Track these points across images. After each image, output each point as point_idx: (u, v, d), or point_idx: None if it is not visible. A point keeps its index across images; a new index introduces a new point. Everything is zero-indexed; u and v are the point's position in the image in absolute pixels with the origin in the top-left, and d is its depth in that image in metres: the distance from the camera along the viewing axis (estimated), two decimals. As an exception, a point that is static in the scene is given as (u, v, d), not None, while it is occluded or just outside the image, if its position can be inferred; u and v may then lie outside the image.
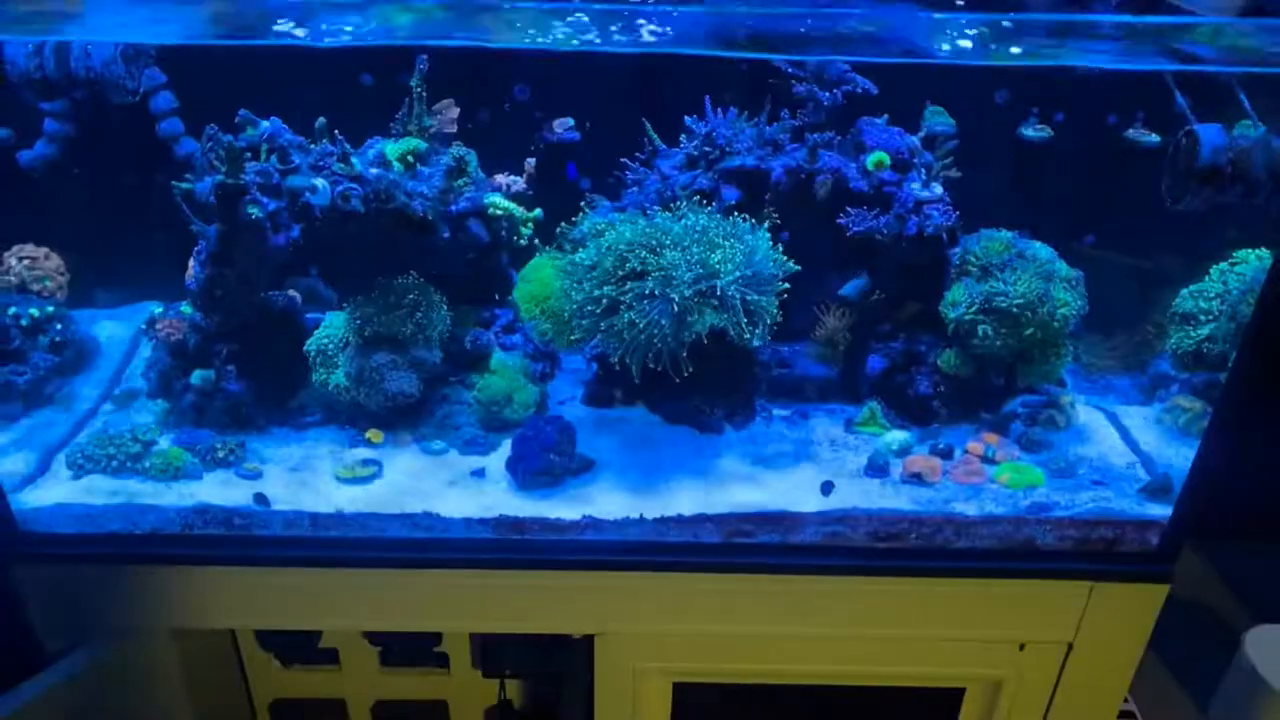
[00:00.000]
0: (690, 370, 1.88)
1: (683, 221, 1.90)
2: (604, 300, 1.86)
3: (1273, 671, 2.15)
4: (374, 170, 1.95)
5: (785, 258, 1.94)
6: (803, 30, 1.66)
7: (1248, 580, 2.59)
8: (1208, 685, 2.37)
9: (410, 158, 2.00)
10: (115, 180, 2.36)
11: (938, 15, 1.68)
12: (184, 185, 1.91)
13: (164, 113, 2.24)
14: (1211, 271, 2.25)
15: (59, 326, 2.23)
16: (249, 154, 1.92)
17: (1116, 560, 1.92)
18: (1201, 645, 2.49)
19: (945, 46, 1.68)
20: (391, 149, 2.00)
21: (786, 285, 1.94)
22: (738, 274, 1.84)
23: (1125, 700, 2.60)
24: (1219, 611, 2.61)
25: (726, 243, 1.85)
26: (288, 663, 2.46)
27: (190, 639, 2.18)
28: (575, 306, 1.92)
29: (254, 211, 1.90)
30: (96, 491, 1.92)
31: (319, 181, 1.90)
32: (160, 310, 2.18)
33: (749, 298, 1.84)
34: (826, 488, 1.97)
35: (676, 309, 1.80)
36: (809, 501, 1.94)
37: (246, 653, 2.44)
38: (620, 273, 1.84)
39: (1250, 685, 2.17)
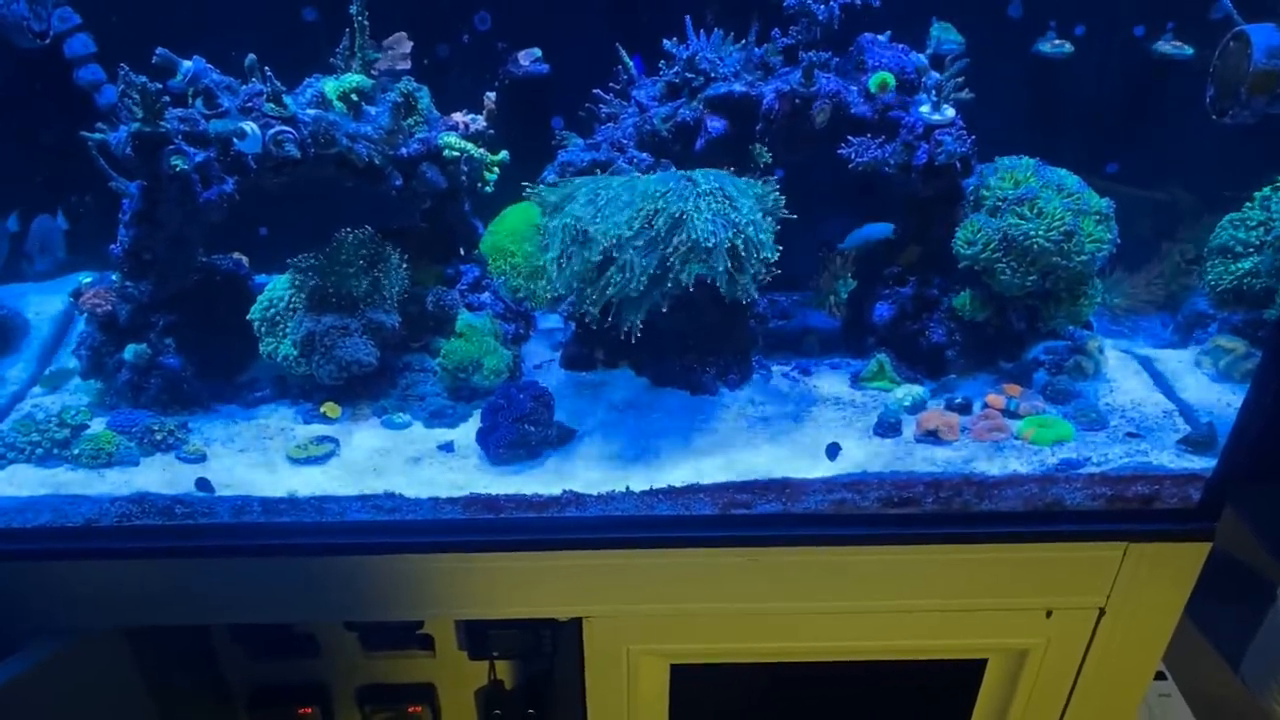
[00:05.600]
0: (672, 325, 1.68)
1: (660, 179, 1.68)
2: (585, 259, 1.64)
3: (1315, 630, 2.00)
4: (311, 111, 1.73)
5: (778, 196, 1.73)
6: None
7: (1284, 532, 2.42)
8: (1240, 643, 2.23)
9: (354, 96, 1.77)
10: (34, 138, 2.15)
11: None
12: (96, 136, 1.69)
13: (81, 58, 2.02)
14: (1254, 198, 2.04)
15: (-20, 302, 2.03)
16: (167, 98, 1.69)
17: (1154, 519, 1.77)
18: (1233, 601, 2.34)
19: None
20: (331, 87, 1.78)
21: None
22: (716, 217, 1.62)
23: (1154, 661, 2.47)
24: (1251, 566, 2.46)
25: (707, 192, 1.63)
26: (262, 654, 2.31)
27: (150, 634, 2.02)
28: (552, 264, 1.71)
29: (178, 163, 1.68)
30: (21, 482, 1.75)
31: (248, 125, 1.68)
32: (89, 280, 1.97)
33: (736, 243, 1.62)
34: (833, 451, 1.80)
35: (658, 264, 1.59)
36: (813, 466, 1.78)
37: (218, 643, 2.29)
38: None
39: (1292, 645, 2.02)
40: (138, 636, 2.02)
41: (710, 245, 1.61)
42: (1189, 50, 2.09)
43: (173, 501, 1.72)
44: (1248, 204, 2.04)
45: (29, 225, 2.21)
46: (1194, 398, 1.92)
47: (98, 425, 1.84)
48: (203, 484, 1.73)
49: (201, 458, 1.80)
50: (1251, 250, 1.97)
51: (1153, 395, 1.95)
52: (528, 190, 1.79)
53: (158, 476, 1.76)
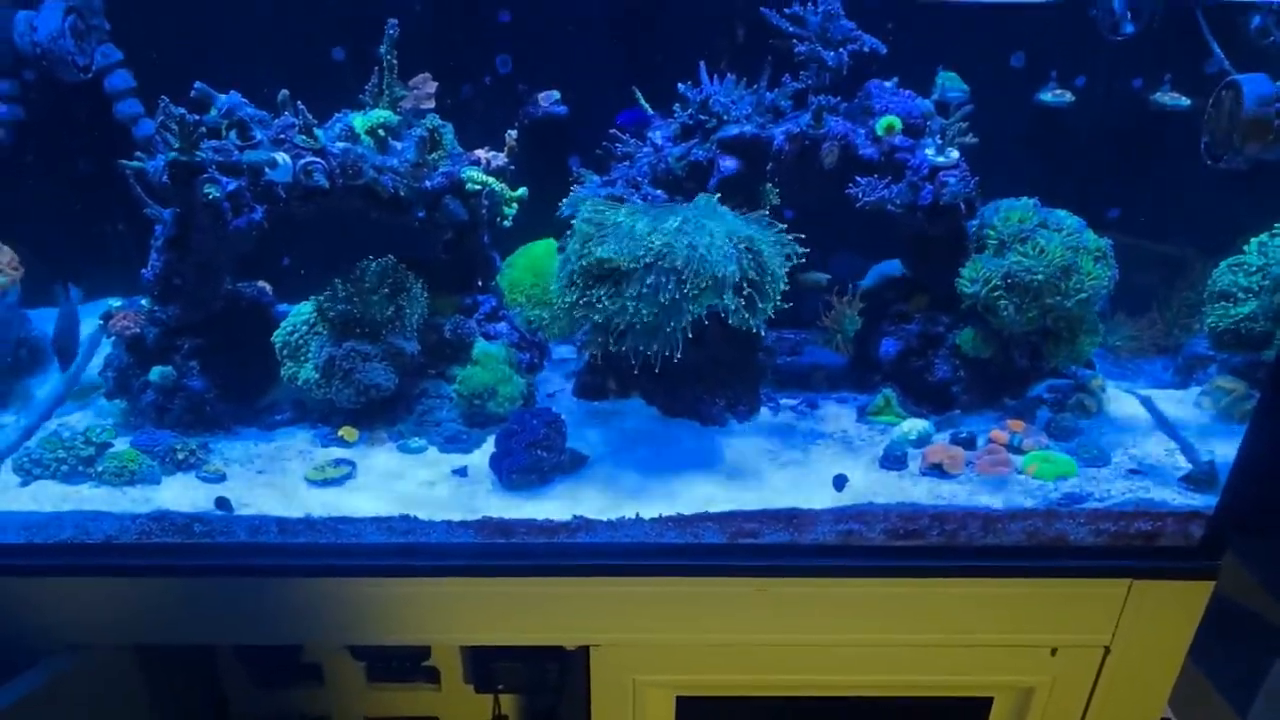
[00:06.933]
0: (683, 357, 1.71)
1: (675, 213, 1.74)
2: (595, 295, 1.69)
3: (1323, 675, 1.98)
4: (340, 144, 1.80)
5: (786, 233, 1.78)
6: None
7: (1289, 577, 2.42)
8: (1248, 690, 2.20)
9: (380, 131, 1.84)
10: (72, 167, 2.22)
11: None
12: (134, 164, 1.76)
13: (120, 92, 2.11)
14: (1250, 244, 2.08)
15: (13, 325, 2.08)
16: (204, 129, 1.77)
17: (1157, 556, 1.77)
18: (1240, 648, 2.33)
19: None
20: (359, 121, 1.85)
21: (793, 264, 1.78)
22: (732, 253, 1.67)
23: (1161, 705, 2.43)
24: (1257, 613, 2.44)
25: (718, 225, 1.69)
26: (267, 680, 2.31)
27: (158, 655, 2.03)
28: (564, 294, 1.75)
29: (211, 191, 1.75)
30: (45, 498, 1.78)
31: (279, 156, 1.75)
32: (119, 304, 2.03)
33: (749, 277, 1.68)
34: (839, 482, 1.81)
35: (671, 296, 1.63)
36: (821, 497, 1.80)
37: (224, 669, 2.29)
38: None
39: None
40: (148, 660, 2.03)
41: (721, 276, 1.65)
42: (1186, 101, 2.16)
43: (191, 519, 1.75)
44: (1245, 249, 2.08)
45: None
46: (1195, 437, 1.93)
47: (121, 444, 1.88)
48: (222, 503, 1.76)
49: (221, 477, 1.83)
50: (1250, 295, 2.01)
51: (1154, 434, 1.97)
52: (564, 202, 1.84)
53: (178, 495, 1.79)
